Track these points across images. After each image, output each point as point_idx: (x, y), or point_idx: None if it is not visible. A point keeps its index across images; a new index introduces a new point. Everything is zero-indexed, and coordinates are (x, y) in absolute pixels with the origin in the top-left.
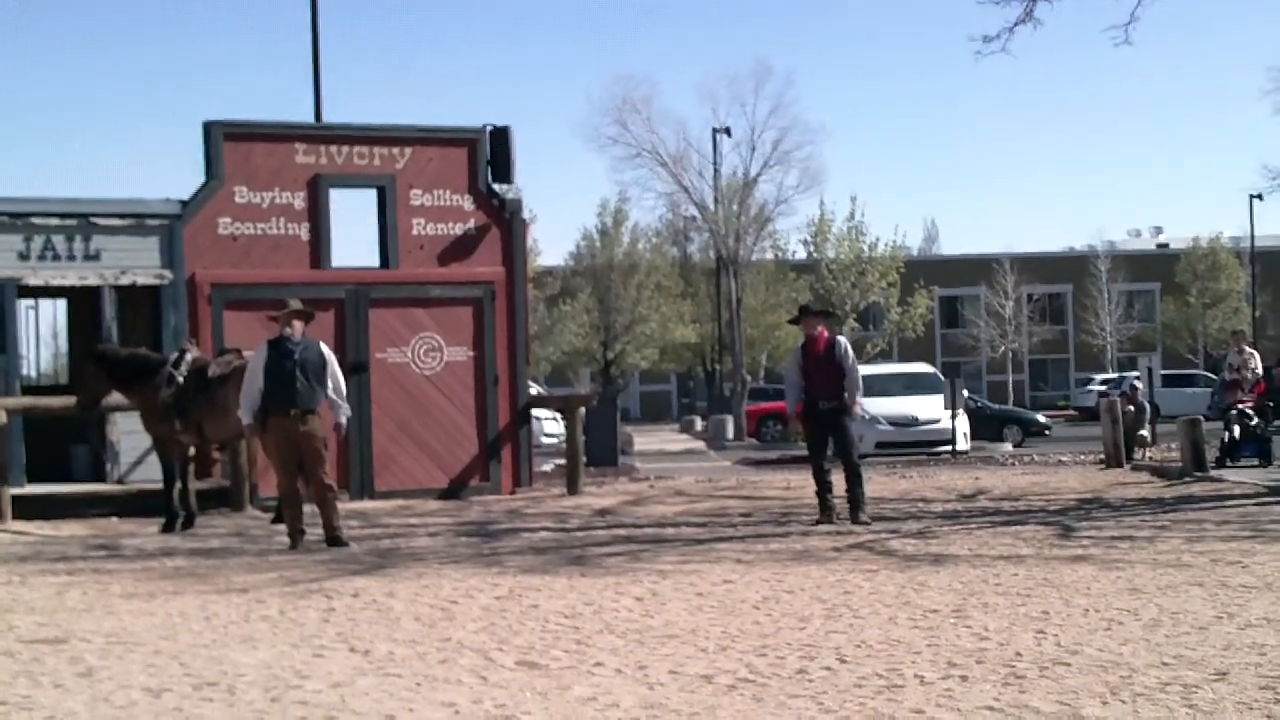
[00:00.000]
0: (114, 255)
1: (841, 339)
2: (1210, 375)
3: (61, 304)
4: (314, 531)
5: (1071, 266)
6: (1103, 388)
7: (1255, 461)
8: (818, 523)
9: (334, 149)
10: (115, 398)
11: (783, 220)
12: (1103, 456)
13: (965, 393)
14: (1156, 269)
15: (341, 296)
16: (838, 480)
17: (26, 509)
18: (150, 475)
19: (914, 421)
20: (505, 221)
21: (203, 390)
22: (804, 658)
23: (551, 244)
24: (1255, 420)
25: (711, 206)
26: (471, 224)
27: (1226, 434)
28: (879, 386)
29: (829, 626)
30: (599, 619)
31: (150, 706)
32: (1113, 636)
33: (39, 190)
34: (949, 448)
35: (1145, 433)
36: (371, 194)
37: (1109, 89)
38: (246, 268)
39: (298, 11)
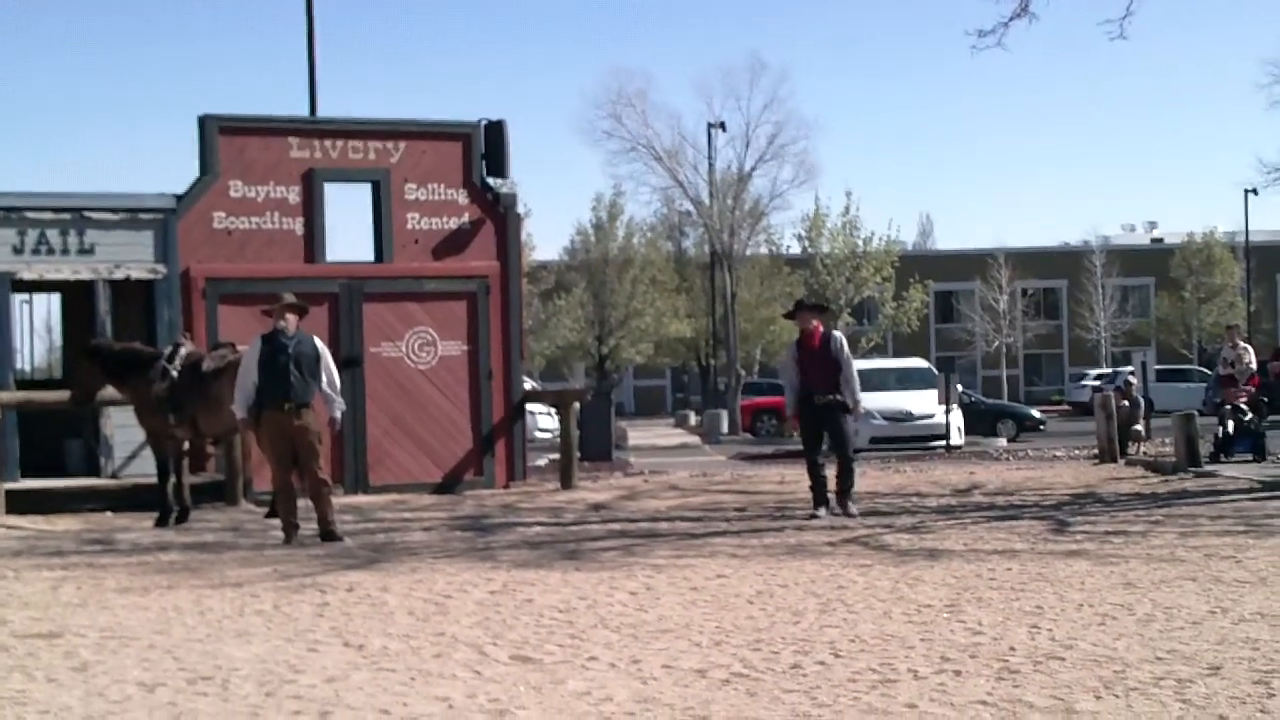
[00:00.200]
0: (108, 249)
1: (837, 333)
2: (1205, 370)
3: (55, 298)
4: (308, 526)
5: (1066, 261)
6: (1097, 383)
7: (1249, 456)
8: (811, 517)
9: (328, 143)
10: (109, 392)
11: (777, 215)
12: (1097, 451)
13: (959, 388)
14: (1151, 264)
15: (336, 291)
16: (831, 474)
17: (21, 504)
18: (145, 470)
19: (908, 416)
20: (500, 216)
21: (197, 384)
22: (798, 652)
23: (546, 238)
24: (1249, 415)
25: (706, 201)
26: (466, 218)
27: (1220, 429)
28: (873, 381)
29: (823, 621)
30: (593, 613)
31: (144, 701)
32: (1106, 631)
33: (34, 185)
34: (943, 443)
35: (1139, 428)
36: (366, 188)
37: (1104, 83)
38: (241, 262)
39: (293, 6)
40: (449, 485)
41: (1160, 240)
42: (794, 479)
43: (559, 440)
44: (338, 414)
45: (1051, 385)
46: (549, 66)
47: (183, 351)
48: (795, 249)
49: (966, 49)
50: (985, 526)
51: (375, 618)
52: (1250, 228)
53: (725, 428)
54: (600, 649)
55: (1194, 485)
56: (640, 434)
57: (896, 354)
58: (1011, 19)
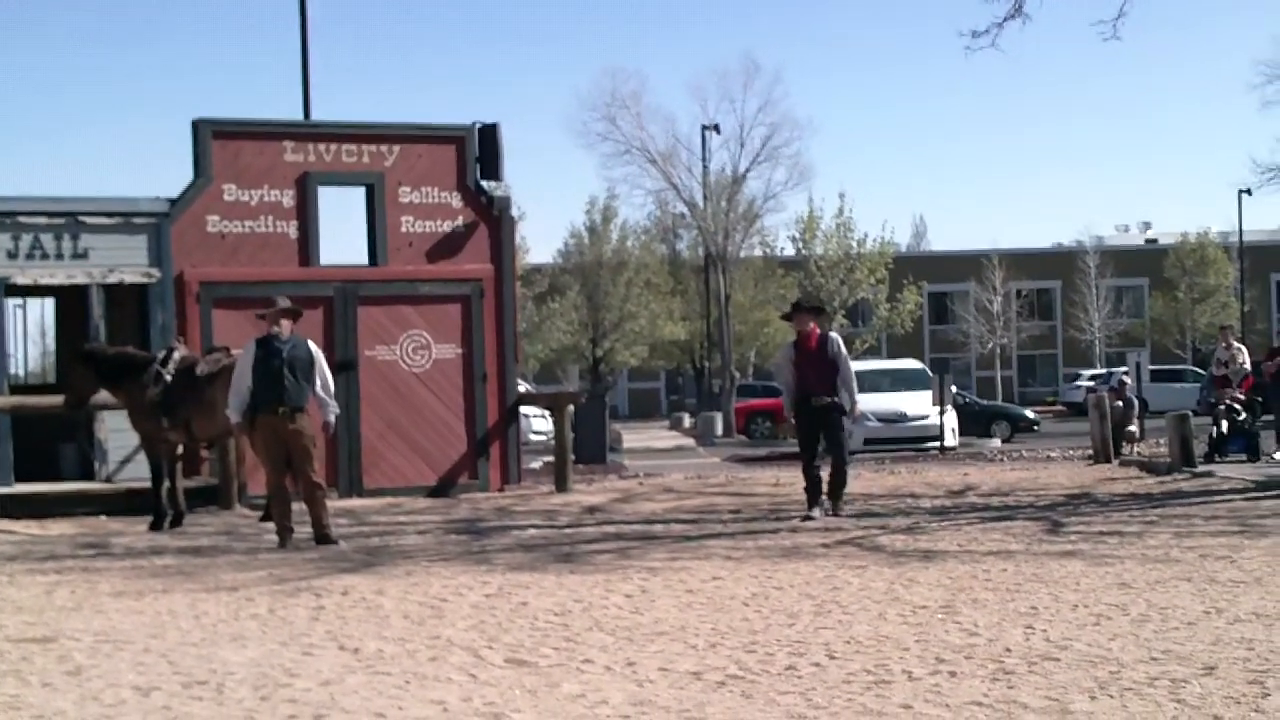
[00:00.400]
0: (102, 254)
1: (834, 335)
2: (1198, 370)
3: (49, 302)
4: (303, 529)
5: (1060, 262)
6: (1091, 383)
7: (1243, 456)
8: (806, 519)
9: (322, 147)
10: (103, 396)
11: (771, 217)
12: (1091, 452)
13: (954, 389)
14: (1145, 264)
15: (330, 294)
16: (826, 476)
17: (14, 508)
18: (139, 474)
19: (902, 418)
20: (494, 219)
21: (191, 388)
22: (793, 654)
23: (540, 241)
24: (1243, 415)
25: (700, 203)
26: (460, 221)
27: (1215, 429)
28: (867, 383)
29: (818, 623)
30: (588, 616)
31: (139, 705)
32: (1101, 632)
33: (27, 189)
34: (937, 444)
35: (1134, 428)
36: (360, 192)
37: (1097, 84)
38: (235, 266)
39: (287, 10)
40: (443, 488)
41: (1154, 241)
42: (788, 481)
43: (553, 443)
44: (332, 418)
45: (1046, 386)
46: (543, 69)
47: (176, 356)
48: (789, 251)
49: (960, 50)
50: (980, 528)
51: (370, 621)
52: (1244, 228)
53: (720, 430)
54: (595, 652)
55: (1188, 485)
56: (635, 437)
57: (890, 355)
58: (1005, 20)
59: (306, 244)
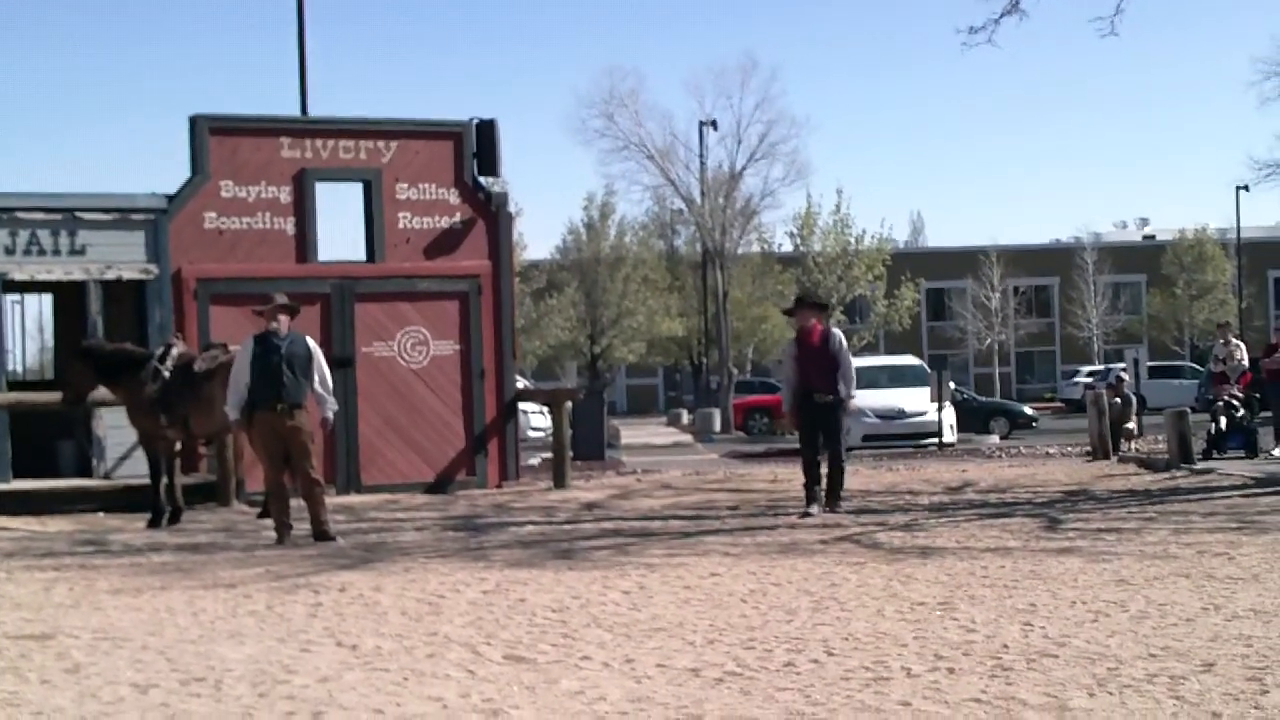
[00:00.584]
0: (100, 250)
1: (836, 331)
2: (1196, 367)
3: (47, 299)
4: (301, 526)
5: (1058, 259)
6: (1089, 380)
7: (1242, 453)
8: (804, 515)
9: (319, 143)
10: (102, 393)
11: (769, 213)
12: (1089, 449)
13: (952, 385)
14: (1142, 261)
15: (327, 291)
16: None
17: (12, 505)
18: (137, 470)
19: (900, 414)
20: (491, 215)
21: (189, 385)
22: (791, 650)
23: (538, 237)
24: (1241, 412)
25: (698, 199)
26: (457, 217)
27: (1213, 425)
28: (865, 379)
29: (816, 619)
30: (586, 613)
31: (138, 702)
32: (1100, 628)
33: (25, 186)
34: (936, 440)
35: (1132, 425)
36: (357, 188)
37: (1095, 81)
38: (232, 262)
39: (284, 8)
40: (441, 485)
41: (1152, 237)
42: (787, 477)
43: (551, 439)
44: (330, 414)
45: (1044, 383)
46: (541, 65)
47: (174, 352)
48: (787, 247)
49: (957, 46)
50: (978, 524)
51: (368, 618)
52: (1241, 225)
53: (718, 426)
54: (594, 648)
55: (1186, 482)
56: (633, 433)
57: (888, 352)
58: (1002, 16)
59: (304, 240)
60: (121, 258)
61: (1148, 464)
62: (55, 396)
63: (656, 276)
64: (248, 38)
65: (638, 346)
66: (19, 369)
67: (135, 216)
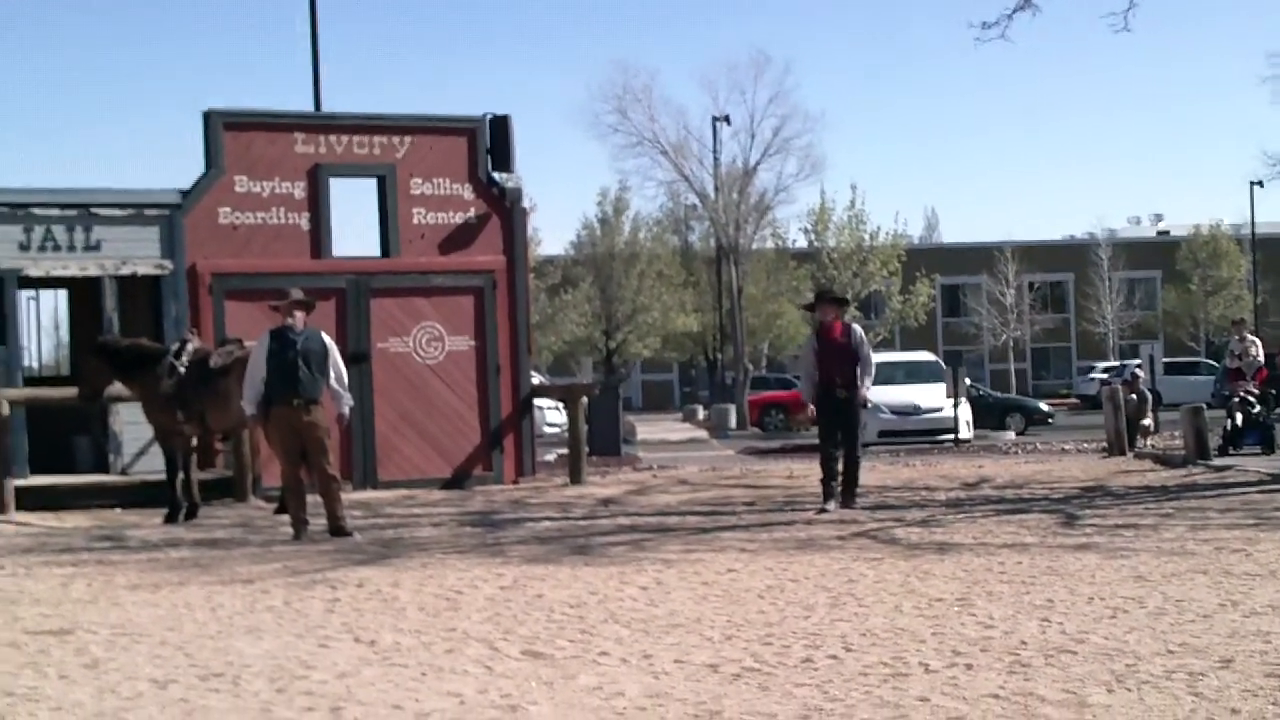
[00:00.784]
0: (114, 245)
1: (857, 327)
2: (1212, 363)
3: (62, 294)
4: (318, 522)
5: (1072, 254)
6: (1105, 376)
7: (1258, 449)
8: (821, 511)
9: (334, 138)
10: (117, 388)
11: (783, 209)
12: (1105, 445)
13: (968, 381)
14: (1157, 257)
15: (342, 286)
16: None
17: (30, 500)
18: (153, 466)
19: (916, 410)
20: (506, 210)
21: (205, 380)
22: (809, 646)
23: (552, 233)
24: (1258, 408)
25: (712, 195)
26: (472, 213)
27: (1229, 421)
28: (881, 375)
29: (834, 615)
30: (604, 608)
31: (156, 697)
32: (1118, 624)
33: (39, 181)
34: (952, 436)
35: (1148, 421)
36: (371, 183)
37: (1109, 76)
38: (247, 257)
39: (296, 2)
40: (458, 481)
41: (1166, 233)
42: (803, 473)
43: (567, 435)
44: (346, 409)
45: (1059, 379)
46: (554, 61)
47: (190, 347)
48: (801, 243)
49: (970, 41)
50: (995, 520)
51: (386, 613)
52: (1256, 220)
53: (733, 422)
54: (611, 644)
55: (1203, 478)
56: (648, 429)
57: (904, 348)
58: (1014, 11)
59: (318, 236)
60: (137, 253)
61: (1164, 460)
62: (72, 392)
63: (671, 272)
64: (260, 33)
65: (653, 342)
66: (35, 365)
67: (150, 212)
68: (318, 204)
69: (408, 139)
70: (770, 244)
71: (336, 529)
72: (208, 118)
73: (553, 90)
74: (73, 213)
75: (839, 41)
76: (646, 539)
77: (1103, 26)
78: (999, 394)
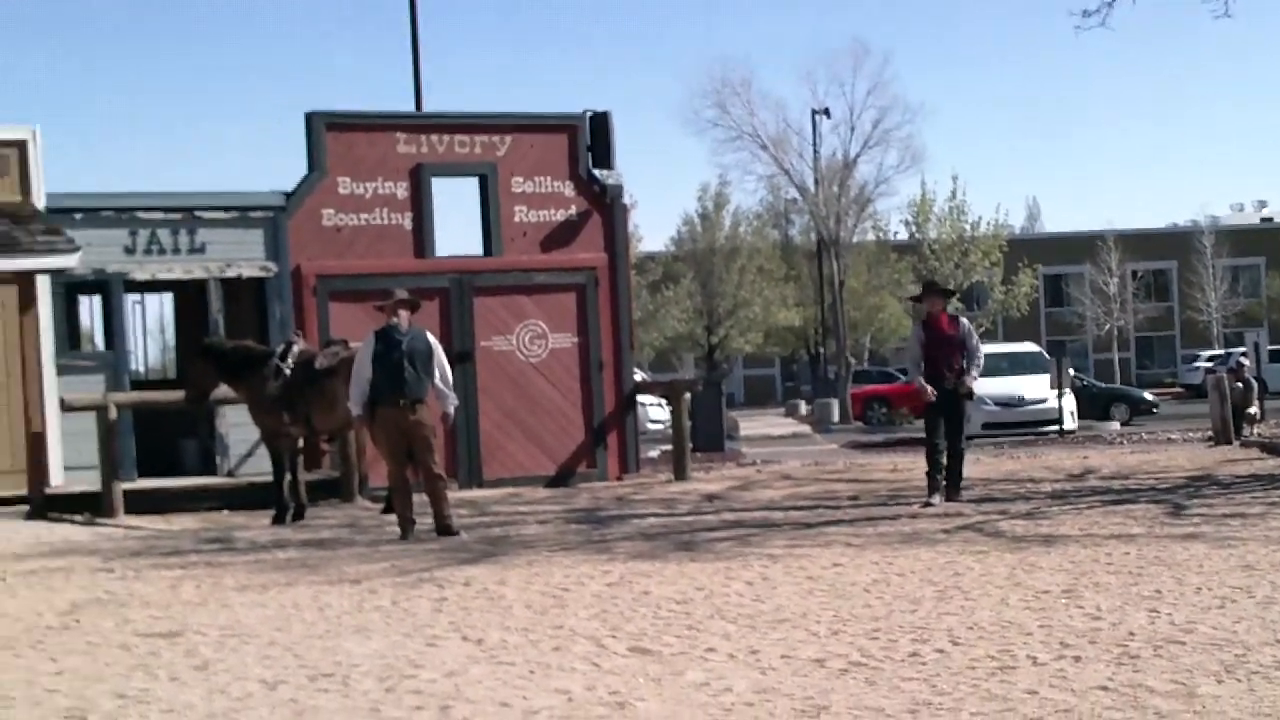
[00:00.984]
0: (219, 248)
1: (964, 319)
2: None
3: (168, 298)
4: (424, 521)
5: (1175, 242)
6: (1210, 364)
7: None
8: (926, 504)
9: (435, 138)
10: (224, 391)
11: (883, 201)
12: (1211, 434)
13: (1072, 371)
14: (1262, 243)
15: (446, 285)
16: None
17: (138, 503)
18: (260, 468)
19: (1020, 401)
20: (606, 207)
21: (310, 382)
22: (916, 640)
23: (653, 230)
24: None
25: (812, 188)
26: (573, 210)
27: None
28: (985, 367)
29: (940, 609)
30: (710, 604)
31: (266, 698)
32: (1226, 615)
33: (143, 185)
34: (1056, 427)
35: (1254, 409)
36: (473, 182)
37: (1210, 62)
38: (351, 258)
39: (396, 2)
40: (562, 478)
41: (1270, 219)
42: (907, 467)
43: (670, 431)
44: (451, 409)
45: (1163, 368)
46: (652, 56)
47: (295, 349)
48: (902, 235)
49: (1071, 30)
50: (1101, 511)
51: (493, 611)
52: None
53: (836, 416)
54: (718, 640)
55: None
56: (751, 424)
57: (1006, 339)
58: None
59: (421, 235)
60: (241, 255)
61: (1271, 448)
62: (179, 395)
63: (772, 266)
64: (360, 34)
65: (754, 337)
66: (141, 369)
67: (254, 214)
68: (420, 204)
69: (508, 138)
70: (871, 236)
71: (443, 528)
72: (310, 120)
73: (651, 86)
74: (177, 216)
75: (938, 31)
76: (751, 534)
77: (1204, 13)
78: (1103, 384)
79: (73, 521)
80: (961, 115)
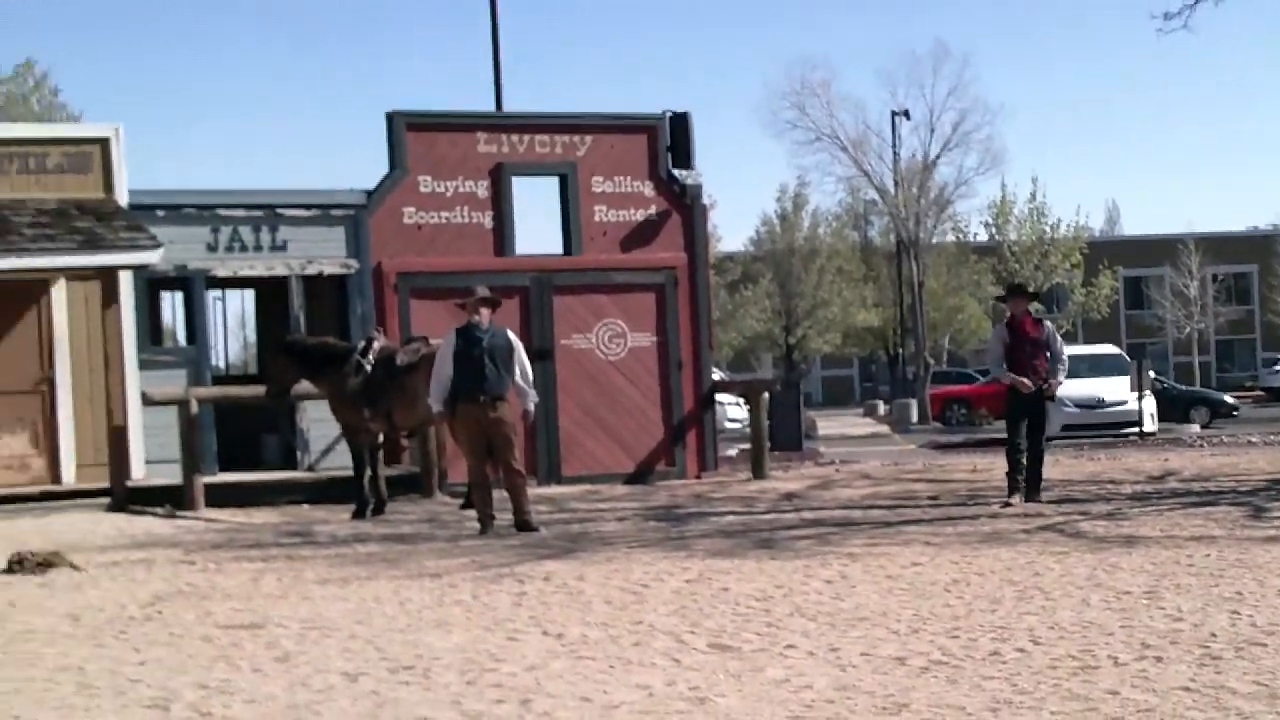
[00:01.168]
0: (300, 245)
1: (1048, 322)
2: None
3: (249, 294)
4: (503, 517)
5: (1256, 246)
6: None
7: None
8: (1005, 505)
9: (515, 138)
10: (305, 386)
11: (963, 202)
12: None
13: (1152, 374)
14: None
15: (526, 284)
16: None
17: (219, 497)
18: (340, 463)
19: (1100, 403)
20: (686, 207)
21: (391, 378)
22: (996, 639)
23: (731, 230)
24: None
25: (891, 189)
26: (652, 210)
27: None
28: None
29: (1021, 608)
30: (789, 602)
31: (348, 690)
32: None
33: (225, 184)
34: (1136, 429)
35: None
36: (553, 181)
37: None
38: (431, 256)
39: (476, 3)
40: (641, 476)
41: None
42: (986, 467)
43: (749, 430)
44: (531, 406)
45: (1244, 371)
46: (731, 57)
47: (376, 345)
48: (982, 236)
49: (1152, 32)
50: (1182, 513)
51: (573, 606)
52: None
53: (915, 417)
54: (798, 637)
55: None
56: (828, 424)
57: (1086, 341)
58: (1197, 1)
59: (501, 234)
60: (322, 253)
61: None
62: (260, 390)
63: (851, 267)
64: (440, 33)
65: (833, 337)
66: (222, 364)
67: (335, 212)
68: (500, 203)
69: (589, 138)
70: (950, 238)
71: (522, 524)
72: (391, 119)
73: (731, 87)
74: (259, 213)
75: (1017, 33)
76: (830, 533)
77: None
78: (1183, 386)
79: (154, 514)
80: (1041, 116)
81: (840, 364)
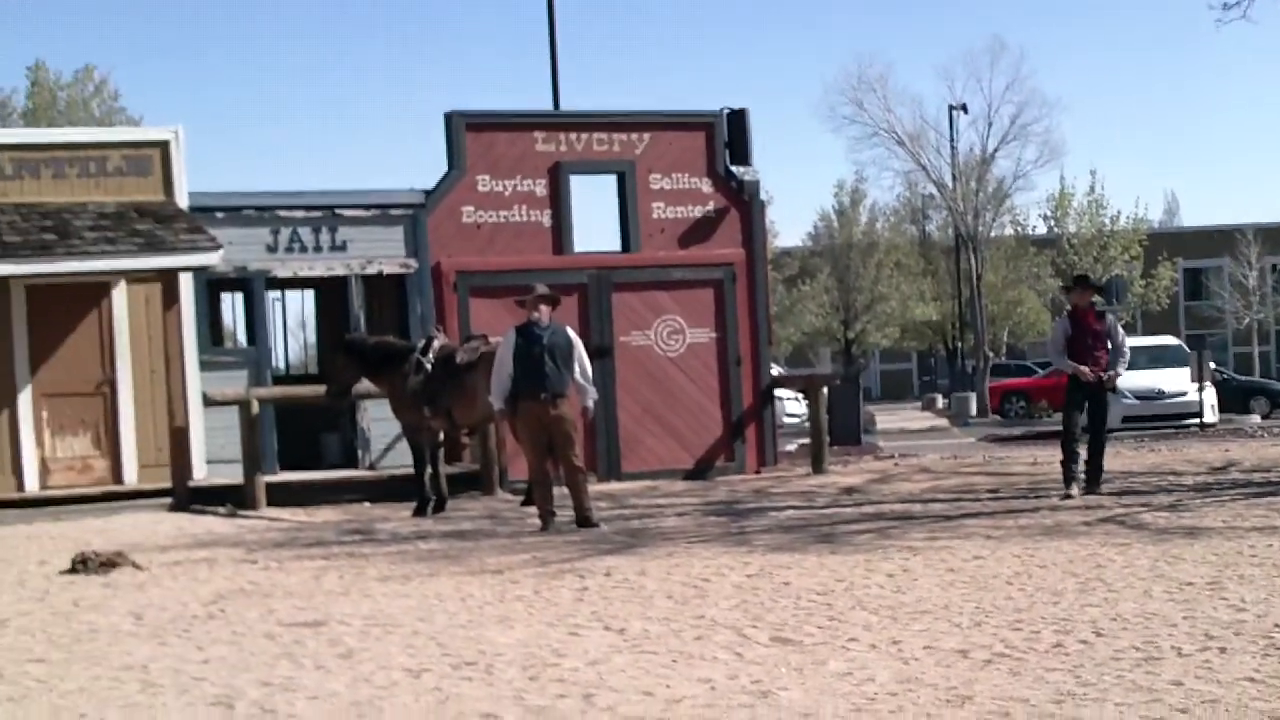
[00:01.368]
0: (360, 245)
1: (1110, 315)
2: None
3: (309, 294)
4: (564, 513)
5: None
6: None
7: None
8: (1065, 497)
9: (573, 136)
10: (365, 385)
11: (1021, 195)
12: None
13: (1212, 365)
14: None
15: (584, 281)
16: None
17: (281, 496)
18: (401, 461)
19: (1160, 395)
20: (744, 203)
21: (451, 376)
22: (1059, 631)
23: (789, 225)
24: None
25: (949, 184)
26: (711, 206)
27: None
28: None
29: (1083, 600)
30: (850, 595)
31: (411, 686)
32: None
33: (284, 184)
34: (1197, 421)
35: None
36: (611, 179)
37: None
38: (490, 255)
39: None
40: (700, 471)
41: None
42: (1046, 460)
43: (808, 425)
44: (591, 403)
45: None
46: (789, 52)
47: (436, 344)
48: (1041, 229)
49: (1211, 22)
50: (1244, 503)
51: (634, 601)
52: None
53: (974, 410)
54: (860, 630)
55: None
56: (887, 418)
57: (1146, 332)
58: None
59: (560, 232)
60: (381, 253)
61: None
62: (320, 390)
63: (909, 261)
64: (498, 32)
65: (891, 332)
66: (282, 365)
67: (394, 212)
68: (559, 201)
69: (646, 135)
70: (1009, 231)
71: (583, 520)
72: (450, 119)
73: (788, 83)
74: (318, 214)
75: (1075, 25)
76: (891, 527)
77: None
78: (1243, 377)
79: (215, 514)
80: (1099, 109)
81: (899, 358)
